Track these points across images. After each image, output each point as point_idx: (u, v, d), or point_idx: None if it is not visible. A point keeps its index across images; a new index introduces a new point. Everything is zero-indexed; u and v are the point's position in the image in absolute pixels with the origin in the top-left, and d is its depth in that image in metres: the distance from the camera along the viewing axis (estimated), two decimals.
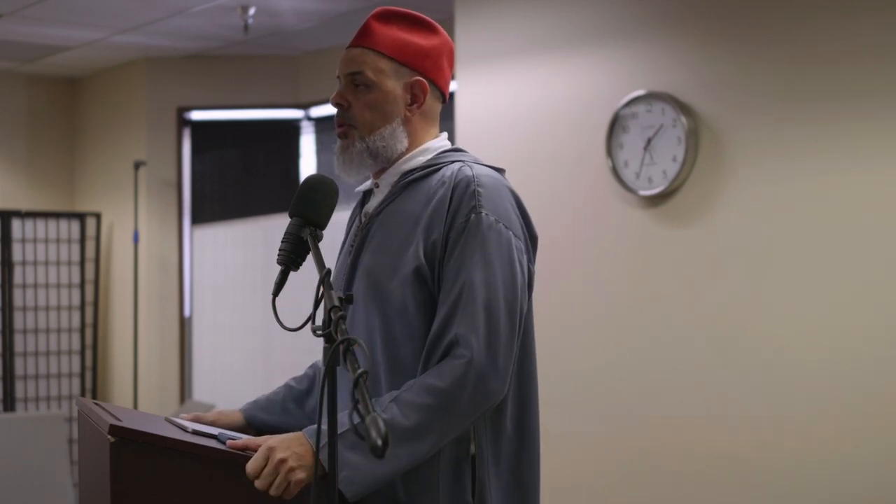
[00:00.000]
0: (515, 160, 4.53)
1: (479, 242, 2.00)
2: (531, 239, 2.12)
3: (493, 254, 2.00)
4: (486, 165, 2.13)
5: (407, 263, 2.03)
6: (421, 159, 2.15)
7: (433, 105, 2.18)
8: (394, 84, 2.12)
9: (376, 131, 2.12)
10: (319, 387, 2.14)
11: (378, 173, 2.18)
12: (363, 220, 2.18)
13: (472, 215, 2.01)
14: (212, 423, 2.21)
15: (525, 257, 2.08)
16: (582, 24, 4.47)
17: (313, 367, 2.37)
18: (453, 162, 2.12)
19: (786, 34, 3.85)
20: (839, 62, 3.71)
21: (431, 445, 1.94)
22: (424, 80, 2.14)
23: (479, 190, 2.03)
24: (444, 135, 2.22)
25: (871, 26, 3.65)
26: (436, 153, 2.16)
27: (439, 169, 2.11)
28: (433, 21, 2.20)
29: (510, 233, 2.04)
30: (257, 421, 2.28)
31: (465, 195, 2.03)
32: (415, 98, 2.14)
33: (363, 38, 2.15)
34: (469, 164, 2.10)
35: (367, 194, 2.23)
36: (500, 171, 2.15)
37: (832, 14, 3.73)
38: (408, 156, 2.15)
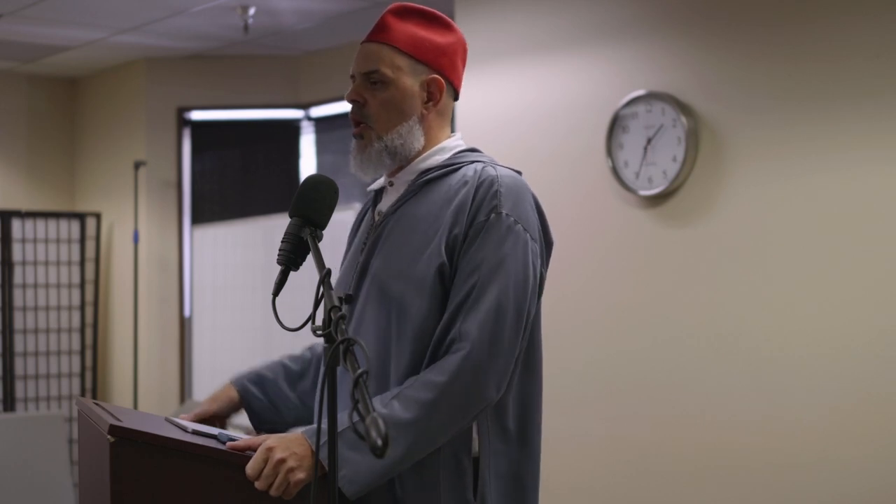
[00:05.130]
0: (515, 160, 4.51)
1: (496, 241, 2.01)
2: (547, 244, 2.14)
3: (509, 254, 2.01)
4: (505, 167, 2.13)
5: (425, 262, 2.03)
6: (438, 158, 2.15)
7: (448, 103, 2.18)
8: (411, 81, 2.11)
9: (393, 129, 2.11)
10: (319, 383, 2.15)
11: (393, 172, 2.17)
12: (376, 218, 2.17)
13: (493, 214, 2.02)
14: (206, 413, 2.22)
15: (539, 261, 2.08)
16: (582, 24, 4.47)
17: (311, 350, 2.37)
18: (473, 162, 2.12)
19: (786, 34, 3.85)
20: (839, 62, 3.71)
21: (430, 440, 1.94)
22: (441, 79, 2.14)
23: (501, 190, 2.04)
24: (459, 134, 2.22)
25: (871, 26, 3.64)
26: (453, 153, 2.16)
27: (458, 169, 2.11)
28: (448, 18, 2.19)
29: (527, 235, 2.04)
30: (249, 396, 2.28)
31: (487, 194, 2.04)
32: (431, 96, 2.14)
33: (380, 33, 2.12)
34: (492, 165, 2.11)
35: (379, 192, 2.22)
36: (518, 173, 2.16)
37: (832, 14, 3.73)
38: (424, 154, 2.15)
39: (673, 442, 4.10)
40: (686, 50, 4.12)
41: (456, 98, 2.21)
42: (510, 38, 4.72)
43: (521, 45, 4.68)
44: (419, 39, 2.12)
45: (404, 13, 2.14)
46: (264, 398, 2.29)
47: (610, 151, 4.29)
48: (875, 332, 3.60)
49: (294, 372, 2.33)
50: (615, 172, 4.28)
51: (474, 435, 2.03)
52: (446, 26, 2.17)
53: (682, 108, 4.08)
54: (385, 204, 2.18)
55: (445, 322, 1.99)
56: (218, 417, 2.29)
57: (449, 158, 2.15)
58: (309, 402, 2.31)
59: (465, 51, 2.21)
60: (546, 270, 2.13)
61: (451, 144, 2.18)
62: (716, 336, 3.99)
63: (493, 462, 2.04)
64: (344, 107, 6.36)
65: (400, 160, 2.13)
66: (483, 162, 2.12)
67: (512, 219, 2.03)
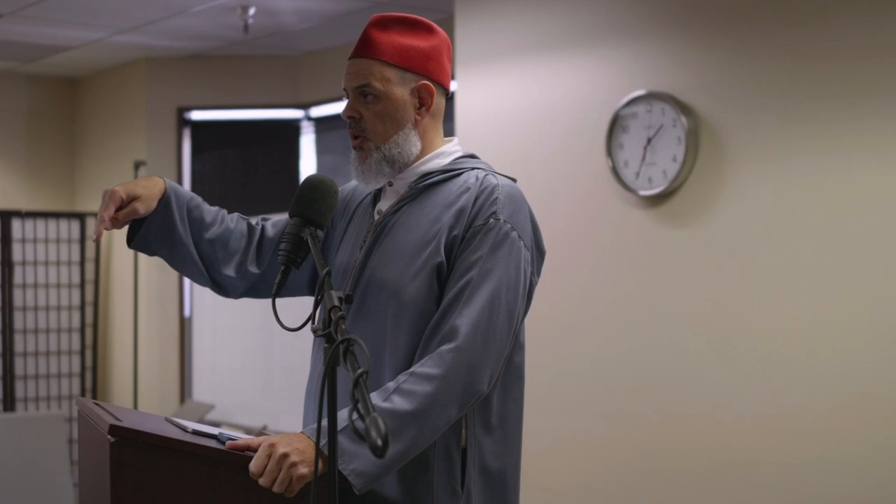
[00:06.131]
0: (515, 160, 4.54)
1: (491, 245, 2.08)
2: (539, 253, 2.20)
3: (503, 258, 2.08)
4: (504, 175, 2.20)
5: (424, 259, 2.09)
6: (439, 162, 2.21)
7: (440, 104, 2.24)
8: (401, 91, 2.16)
9: (390, 139, 2.17)
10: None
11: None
12: (376, 216, 2.22)
13: (491, 220, 2.09)
14: (132, 193, 2.14)
15: (531, 268, 2.16)
16: (582, 24, 4.47)
17: (253, 221, 2.36)
18: (473, 169, 2.20)
19: (786, 34, 3.85)
20: (839, 62, 3.71)
21: (432, 430, 1.98)
22: (430, 83, 2.19)
23: (501, 198, 2.12)
24: (456, 139, 2.29)
25: (871, 26, 3.64)
26: (452, 158, 2.23)
27: (459, 174, 2.18)
28: (429, 21, 2.24)
29: (521, 243, 2.12)
30: (173, 198, 2.22)
31: (487, 200, 2.11)
32: (422, 101, 2.19)
33: (366, 47, 2.18)
34: (492, 173, 2.19)
35: (378, 192, 2.27)
36: (513, 180, 2.22)
37: (832, 14, 3.73)
38: (424, 158, 2.21)
39: (673, 441, 4.11)
40: (686, 50, 4.12)
41: (447, 95, 2.27)
42: (510, 38, 4.72)
43: (521, 45, 4.68)
44: (404, 48, 2.17)
45: (386, 24, 2.19)
46: (179, 212, 2.23)
47: (610, 151, 4.29)
48: (875, 332, 3.60)
49: (207, 223, 2.29)
50: (615, 172, 4.28)
51: (462, 428, 2.09)
52: (428, 29, 2.22)
53: (682, 108, 4.08)
54: (385, 204, 2.23)
55: (438, 317, 2.05)
56: (141, 200, 2.18)
57: (449, 164, 2.21)
58: (203, 250, 2.29)
59: (449, 49, 2.26)
60: (538, 279, 2.21)
61: (450, 150, 2.24)
62: (715, 336, 3.99)
63: (478, 455, 2.11)
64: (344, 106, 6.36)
65: (399, 167, 2.19)
66: (483, 170, 2.20)
67: (509, 225, 2.10)
